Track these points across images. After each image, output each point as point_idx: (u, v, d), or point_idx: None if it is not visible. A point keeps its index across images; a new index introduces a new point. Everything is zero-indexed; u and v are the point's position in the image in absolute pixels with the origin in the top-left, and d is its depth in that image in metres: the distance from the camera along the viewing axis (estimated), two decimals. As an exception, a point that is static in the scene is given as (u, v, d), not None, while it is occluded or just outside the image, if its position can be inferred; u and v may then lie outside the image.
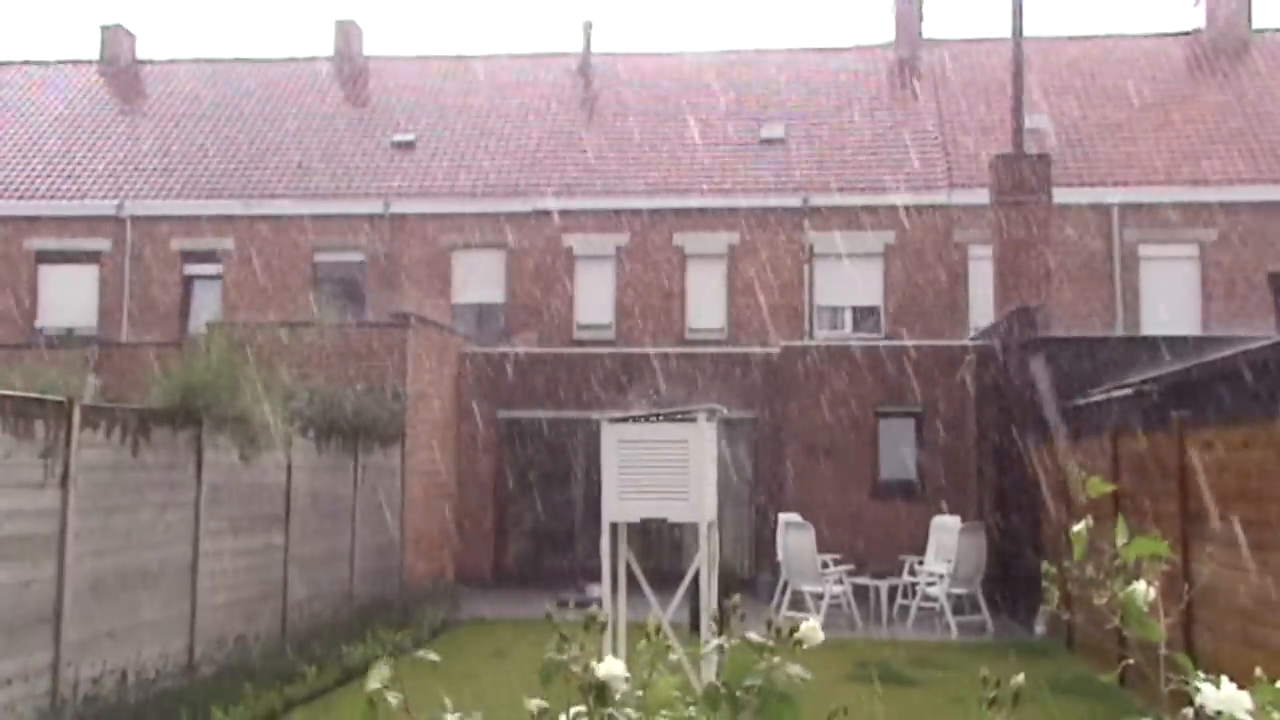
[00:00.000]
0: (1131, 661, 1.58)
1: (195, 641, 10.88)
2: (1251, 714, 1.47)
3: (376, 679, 1.60)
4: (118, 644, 9.63)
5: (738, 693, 1.60)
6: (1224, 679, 1.45)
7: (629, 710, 1.55)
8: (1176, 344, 15.22)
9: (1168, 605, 1.68)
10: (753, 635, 1.69)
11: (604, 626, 1.68)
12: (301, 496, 13.44)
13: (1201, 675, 1.48)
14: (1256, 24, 26.82)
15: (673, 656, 1.75)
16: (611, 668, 1.60)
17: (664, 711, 1.55)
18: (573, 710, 1.63)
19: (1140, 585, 1.57)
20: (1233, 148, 23.43)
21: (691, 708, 1.63)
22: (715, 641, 1.71)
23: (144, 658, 9.98)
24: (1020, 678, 1.60)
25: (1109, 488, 1.84)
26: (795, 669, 1.66)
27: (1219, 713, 1.45)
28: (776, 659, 1.65)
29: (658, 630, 1.84)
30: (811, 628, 1.73)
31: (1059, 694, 10.32)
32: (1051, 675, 10.96)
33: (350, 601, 14.73)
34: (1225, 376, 11.69)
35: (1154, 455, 10.72)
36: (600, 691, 1.58)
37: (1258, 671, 1.49)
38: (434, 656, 1.71)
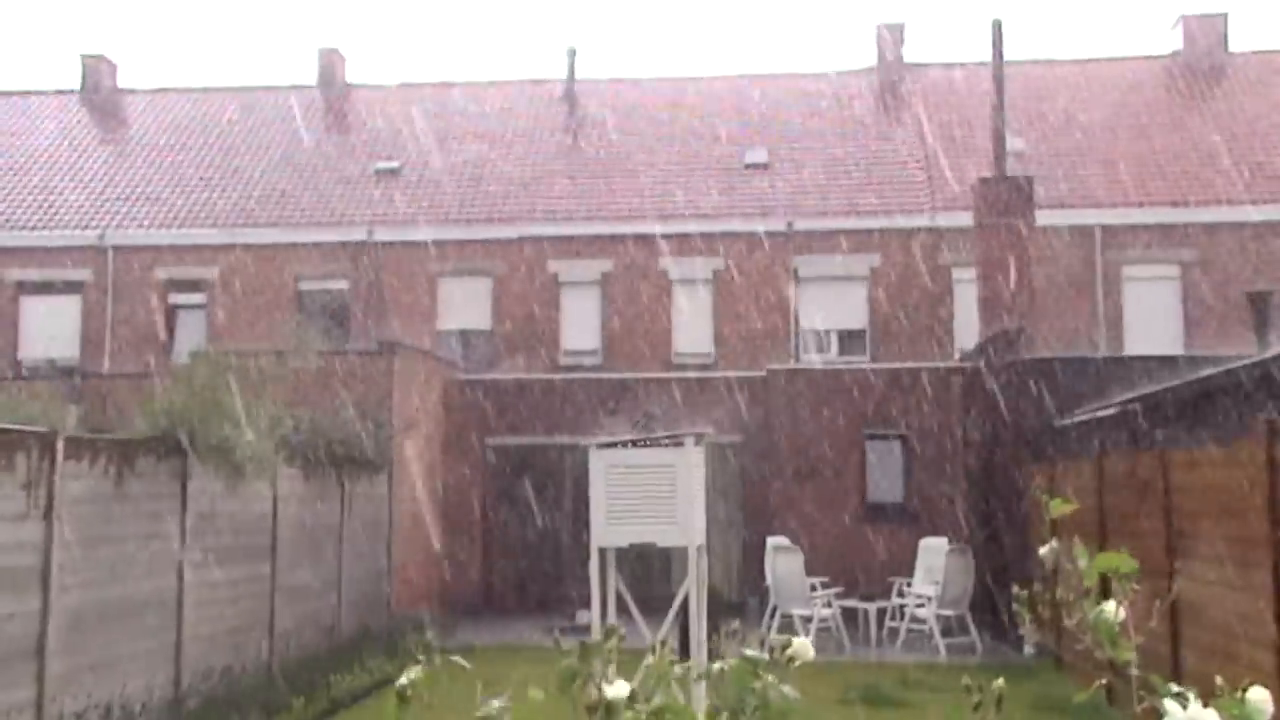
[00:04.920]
0: (1106, 682, 1.59)
1: (181, 673, 10.80)
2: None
3: (407, 678, 1.63)
4: (102, 677, 9.56)
5: (740, 717, 1.62)
6: (1191, 696, 1.47)
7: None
8: (1159, 364, 15.29)
9: (1156, 624, 1.70)
10: (748, 651, 1.71)
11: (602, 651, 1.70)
12: (288, 526, 13.38)
13: (1174, 690, 1.49)
14: (1233, 46, 27.13)
15: (677, 670, 1.77)
16: (619, 689, 1.63)
17: None
18: None
19: (1109, 605, 1.59)
20: (1211, 168, 23.62)
21: None
22: (717, 664, 1.72)
23: (129, 691, 9.90)
24: (1000, 682, 1.62)
25: (1070, 508, 1.84)
26: (786, 689, 1.68)
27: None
28: (771, 678, 1.67)
29: (664, 645, 1.86)
30: (803, 644, 1.74)
31: (1045, 713, 10.35)
32: (1039, 695, 10.97)
33: (338, 631, 14.66)
34: (1207, 396, 11.74)
35: (1138, 474, 10.77)
36: (609, 710, 1.61)
37: (1218, 680, 1.50)
38: (464, 663, 1.73)
